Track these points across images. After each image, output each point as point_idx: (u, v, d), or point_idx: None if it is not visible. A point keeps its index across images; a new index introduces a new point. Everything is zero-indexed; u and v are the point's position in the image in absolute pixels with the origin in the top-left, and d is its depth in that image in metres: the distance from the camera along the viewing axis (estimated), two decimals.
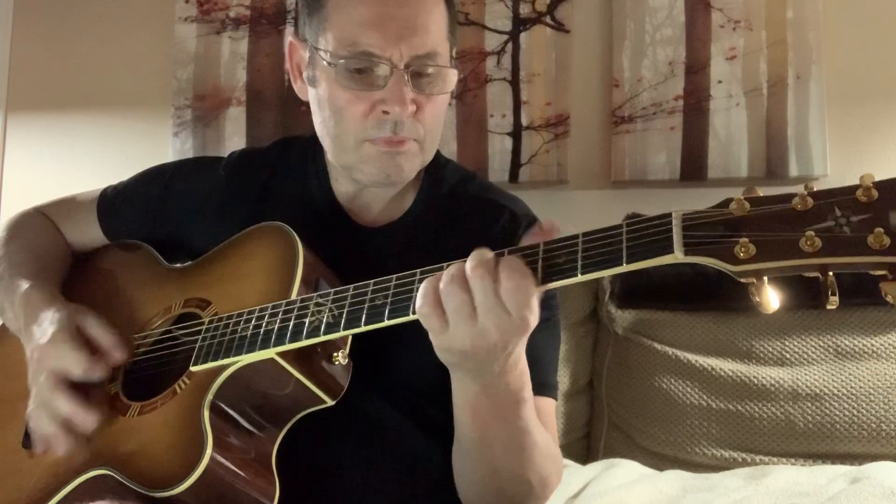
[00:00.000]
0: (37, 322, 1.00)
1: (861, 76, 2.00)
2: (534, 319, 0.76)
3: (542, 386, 1.02)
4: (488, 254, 0.76)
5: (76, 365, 0.94)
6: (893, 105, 1.98)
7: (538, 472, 0.93)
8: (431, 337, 0.78)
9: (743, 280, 0.66)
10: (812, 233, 0.63)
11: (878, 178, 0.64)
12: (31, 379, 0.97)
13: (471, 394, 0.86)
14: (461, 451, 0.93)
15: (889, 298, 0.62)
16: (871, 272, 0.63)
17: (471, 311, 0.74)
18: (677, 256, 0.67)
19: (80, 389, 0.96)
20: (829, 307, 0.64)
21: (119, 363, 0.97)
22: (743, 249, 0.64)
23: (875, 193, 0.63)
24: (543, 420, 1.00)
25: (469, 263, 0.75)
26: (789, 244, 0.63)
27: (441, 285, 0.75)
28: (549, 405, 1.03)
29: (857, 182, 0.64)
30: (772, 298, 0.65)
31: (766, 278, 0.66)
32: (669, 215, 0.70)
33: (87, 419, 0.93)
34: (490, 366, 0.80)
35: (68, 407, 0.93)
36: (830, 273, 0.64)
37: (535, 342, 1.01)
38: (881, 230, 0.61)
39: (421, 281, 0.79)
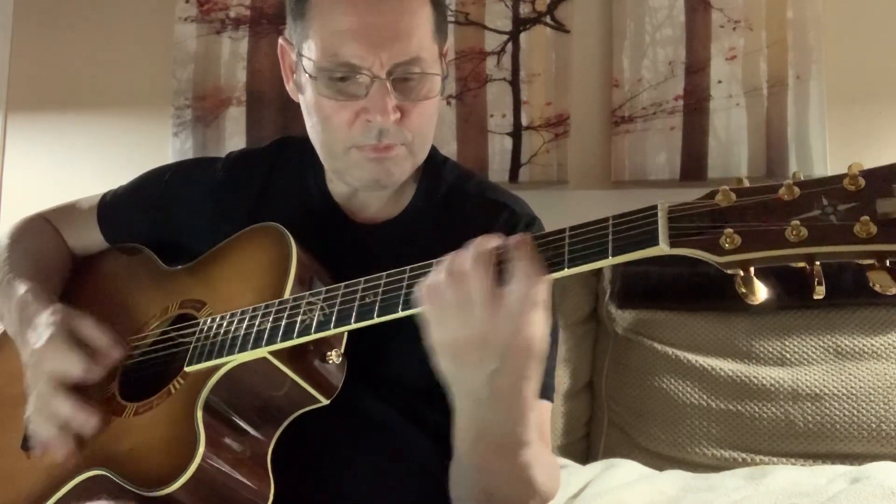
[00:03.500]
0: (31, 326, 1.00)
1: (861, 76, 2.00)
2: (530, 323, 0.74)
3: (541, 388, 1.01)
4: (490, 244, 0.75)
5: (75, 366, 0.94)
6: (893, 105, 1.98)
7: (540, 496, 0.92)
8: (430, 330, 0.77)
9: (729, 271, 0.65)
10: (798, 222, 0.62)
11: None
12: (30, 383, 0.98)
13: (471, 430, 0.84)
14: (459, 472, 0.92)
15: (877, 287, 0.61)
16: (858, 261, 0.62)
17: (465, 302, 0.73)
18: (662, 248, 0.67)
19: (77, 391, 0.96)
20: (815, 297, 0.63)
21: (116, 361, 0.98)
22: (728, 240, 0.64)
23: (862, 182, 0.62)
24: (539, 424, 0.99)
25: (470, 259, 0.74)
26: (775, 234, 0.63)
27: (443, 275, 0.75)
28: (545, 409, 1.02)
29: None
30: (759, 289, 0.65)
31: (752, 269, 0.65)
32: (655, 207, 0.69)
33: (87, 421, 0.93)
34: (479, 378, 0.77)
35: (68, 409, 0.93)
36: (817, 263, 0.63)
37: None
38: (867, 218, 0.60)
39: (411, 278, 0.79)
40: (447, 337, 0.76)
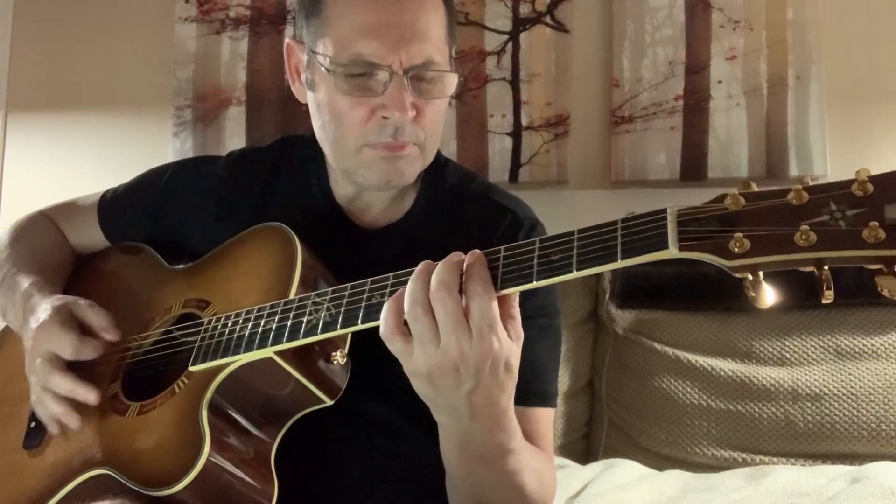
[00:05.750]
0: (34, 315, 1.01)
1: (861, 76, 2.00)
2: (496, 340, 0.75)
3: (542, 396, 1.01)
4: (453, 270, 0.75)
5: (66, 345, 0.96)
6: (893, 105, 1.98)
7: (532, 502, 0.92)
8: (401, 361, 0.78)
9: (738, 275, 0.66)
10: (807, 227, 0.62)
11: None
12: (28, 367, 0.98)
13: (453, 443, 0.86)
14: (451, 481, 0.93)
15: (885, 293, 0.61)
16: (867, 266, 0.62)
17: (434, 334, 0.74)
18: (672, 252, 0.67)
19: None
20: (824, 301, 0.64)
21: (111, 342, 0.98)
22: (737, 244, 0.64)
23: (870, 187, 0.62)
24: (541, 432, 0.99)
25: (432, 286, 0.75)
26: (784, 238, 0.63)
27: (406, 308, 0.76)
28: (548, 415, 1.02)
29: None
30: (767, 293, 0.65)
31: (761, 273, 0.65)
32: (664, 211, 0.69)
33: (87, 393, 0.94)
34: (457, 398, 0.78)
35: (66, 384, 0.94)
36: (826, 267, 0.63)
37: (533, 350, 1.01)
38: (876, 224, 0.60)
39: None
40: (419, 366, 0.77)
